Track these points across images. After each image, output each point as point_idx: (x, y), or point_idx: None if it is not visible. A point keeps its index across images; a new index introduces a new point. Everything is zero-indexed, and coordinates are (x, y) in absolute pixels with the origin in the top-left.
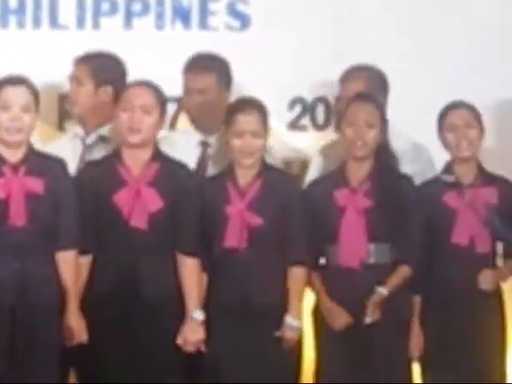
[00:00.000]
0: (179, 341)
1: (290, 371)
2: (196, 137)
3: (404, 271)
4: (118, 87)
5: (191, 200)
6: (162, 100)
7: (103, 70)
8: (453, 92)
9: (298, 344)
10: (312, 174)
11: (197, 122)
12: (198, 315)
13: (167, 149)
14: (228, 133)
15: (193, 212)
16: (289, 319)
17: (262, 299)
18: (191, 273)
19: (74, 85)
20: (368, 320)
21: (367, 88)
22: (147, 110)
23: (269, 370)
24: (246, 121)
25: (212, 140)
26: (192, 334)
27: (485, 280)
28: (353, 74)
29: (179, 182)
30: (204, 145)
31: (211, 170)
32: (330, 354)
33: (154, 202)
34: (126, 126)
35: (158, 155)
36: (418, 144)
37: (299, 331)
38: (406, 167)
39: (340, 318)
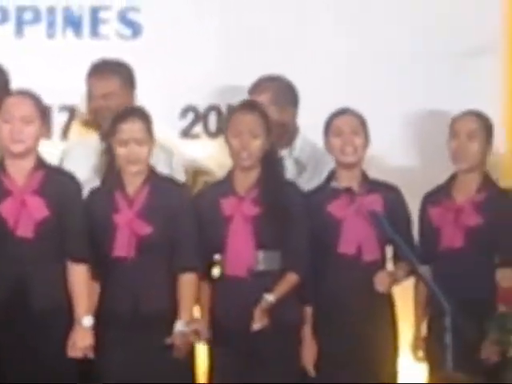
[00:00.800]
0: (69, 347)
1: (182, 379)
2: (100, 145)
3: (292, 278)
4: (1, 97)
5: (77, 207)
6: (42, 109)
7: None
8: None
9: (191, 352)
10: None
11: (102, 128)
12: (87, 321)
13: (70, 160)
14: (113, 142)
15: (80, 219)
16: (179, 326)
17: (153, 307)
18: (80, 279)
19: None
20: (256, 326)
21: (275, 99)
22: (27, 121)
23: (161, 378)
24: (130, 129)
25: None
26: (80, 339)
27: (380, 282)
28: (261, 85)
29: (64, 189)
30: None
31: None
32: (219, 362)
33: (39, 210)
34: (8, 137)
35: (42, 164)
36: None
37: (190, 338)
38: (309, 175)
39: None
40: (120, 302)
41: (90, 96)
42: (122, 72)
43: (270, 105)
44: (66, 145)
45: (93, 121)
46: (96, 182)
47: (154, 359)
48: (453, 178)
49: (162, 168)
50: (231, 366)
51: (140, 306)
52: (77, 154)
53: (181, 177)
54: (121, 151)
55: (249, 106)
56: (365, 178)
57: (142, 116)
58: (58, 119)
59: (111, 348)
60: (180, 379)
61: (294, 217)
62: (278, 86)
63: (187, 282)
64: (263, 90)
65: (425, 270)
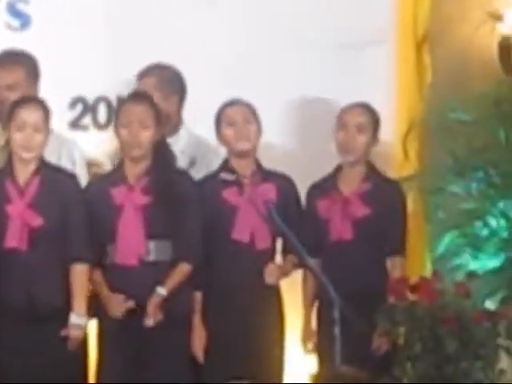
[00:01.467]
0: None
1: (76, 371)
2: None
3: (184, 268)
4: None
5: None
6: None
7: None
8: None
9: (84, 343)
10: None
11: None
12: None
13: None
14: (10, 127)
15: None
16: (73, 317)
17: (46, 300)
18: None
19: None
20: (149, 322)
21: (160, 86)
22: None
23: (55, 369)
24: (28, 115)
25: None
26: None
27: (270, 274)
28: (148, 71)
29: None
30: None
31: None
32: (107, 353)
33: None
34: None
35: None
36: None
37: (84, 329)
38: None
39: (118, 305)
40: (14, 294)
41: None
42: (27, 63)
43: (154, 91)
44: None
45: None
46: None
47: (49, 352)
48: (338, 170)
49: (65, 161)
50: (121, 358)
51: (34, 298)
52: None
53: (83, 169)
54: (16, 136)
55: (138, 96)
56: (258, 166)
57: (41, 105)
58: None
59: (6, 343)
60: (74, 371)
61: (185, 206)
62: (165, 74)
63: (78, 272)
64: (149, 76)
65: (313, 262)
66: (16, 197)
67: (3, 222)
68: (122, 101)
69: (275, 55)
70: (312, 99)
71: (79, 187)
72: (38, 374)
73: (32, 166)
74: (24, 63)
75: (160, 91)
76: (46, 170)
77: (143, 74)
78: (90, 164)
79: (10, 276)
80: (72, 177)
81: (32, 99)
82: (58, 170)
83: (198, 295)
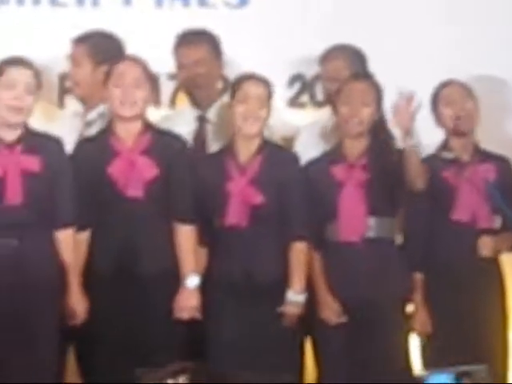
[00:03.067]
0: (174, 308)
1: (292, 347)
2: (193, 112)
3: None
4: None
5: (184, 168)
6: (150, 75)
7: (100, 49)
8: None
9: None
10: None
11: (193, 96)
12: (192, 281)
13: (166, 127)
14: (233, 101)
15: (187, 180)
16: (290, 294)
17: (264, 275)
18: (186, 240)
19: (72, 66)
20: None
21: (347, 67)
22: (137, 84)
23: (271, 346)
24: (253, 88)
25: (209, 115)
26: (186, 300)
27: (484, 246)
28: (332, 53)
29: (172, 150)
30: (201, 119)
31: (211, 145)
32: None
33: (148, 170)
34: (118, 99)
35: (150, 127)
36: None
37: (301, 306)
38: None
39: (333, 313)
40: (232, 269)
41: (180, 66)
42: (208, 40)
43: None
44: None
45: (186, 90)
46: None
47: (265, 327)
48: None
49: None
50: (343, 336)
51: (252, 274)
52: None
53: None
54: (240, 108)
55: (361, 75)
56: (476, 147)
57: (265, 82)
58: (166, 87)
59: (222, 314)
60: (289, 349)
61: (405, 185)
62: (349, 54)
63: (298, 250)
64: (335, 58)
65: None
66: (237, 175)
67: (223, 199)
68: (345, 79)
69: None
70: None
71: (300, 165)
72: (252, 347)
73: (254, 145)
74: (205, 40)
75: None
76: (268, 149)
77: (326, 57)
78: None
79: (229, 251)
80: (293, 155)
81: (255, 75)
82: (279, 148)
83: (419, 276)
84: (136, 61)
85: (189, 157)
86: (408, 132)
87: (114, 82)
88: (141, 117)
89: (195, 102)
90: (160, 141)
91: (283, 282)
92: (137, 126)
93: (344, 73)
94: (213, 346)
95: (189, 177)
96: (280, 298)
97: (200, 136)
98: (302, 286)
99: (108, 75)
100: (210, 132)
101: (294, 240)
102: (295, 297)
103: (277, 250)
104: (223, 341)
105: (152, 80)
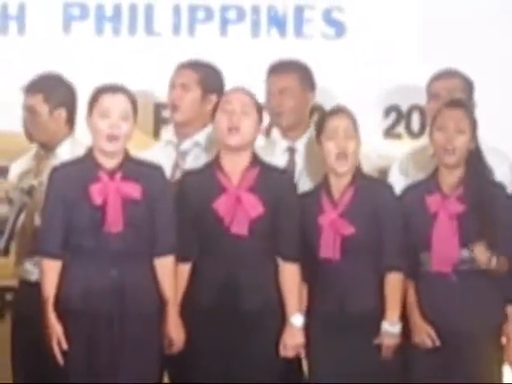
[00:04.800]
0: (280, 347)
1: (390, 380)
2: (283, 143)
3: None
4: (220, 97)
5: (294, 206)
6: (258, 105)
7: (211, 78)
8: None
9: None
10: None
11: (280, 124)
12: (297, 320)
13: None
14: (321, 138)
15: (294, 218)
16: (386, 325)
17: (358, 307)
18: (291, 278)
19: (178, 90)
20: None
21: (463, 89)
22: (246, 112)
23: (369, 377)
24: (339, 123)
25: (299, 145)
26: (292, 338)
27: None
28: (448, 72)
29: (279, 187)
30: (291, 150)
31: (299, 177)
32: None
33: (254, 207)
34: (226, 126)
35: (257, 160)
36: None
37: (398, 337)
38: None
39: (425, 337)
40: (327, 302)
41: (269, 93)
42: (300, 69)
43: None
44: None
45: (274, 119)
46: None
47: (361, 358)
48: None
49: None
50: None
51: (346, 306)
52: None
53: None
54: (329, 145)
55: (456, 102)
56: None
57: (349, 114)
58: None
59: (321, 348)
60: (388, 379)
61: (499, 218)
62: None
63: (394, 281)
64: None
65: None
66: (329, 208)
67: (317, 233)
68: (440, 106)
69: None
70: None
71: (395, 195)
72: (353, 380)
73: (347, 178)
74: (296, 69)
75: None
76: (361, 180)
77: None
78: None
79: (324, 284)
80: (387, 184)
81: (340, 108)
82: (372, 179)
83: (511, 308)
84: (244, 89)
85: (298, 194)
86: None
87: (222, 108)
88: (248, 147)
89: (283, 129)
90: (267, 177)
91: (377, 313)
92: (244, 159)
93: (459, 94)
94: (315, 376)
95: (297, 215)
96: (375, 329)
97: (290, 167)
98: (397, 316)
99: (217, 104)
100: (300, 163)
101: (390, 270)
102: (391, 328)
103: (370, 280)
104: (322, 376)
105: (259, 110)
